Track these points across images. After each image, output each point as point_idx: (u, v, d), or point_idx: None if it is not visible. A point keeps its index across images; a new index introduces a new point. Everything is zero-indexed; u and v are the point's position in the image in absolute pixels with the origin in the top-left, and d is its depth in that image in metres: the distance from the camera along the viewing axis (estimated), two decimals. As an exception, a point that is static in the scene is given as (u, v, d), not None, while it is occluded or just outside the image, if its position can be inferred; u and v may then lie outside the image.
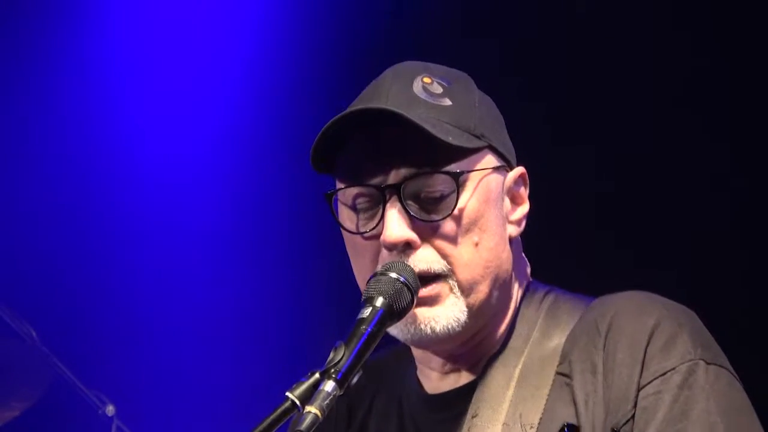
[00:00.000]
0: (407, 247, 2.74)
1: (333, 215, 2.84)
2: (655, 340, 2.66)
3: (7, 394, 5.37)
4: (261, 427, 2.46)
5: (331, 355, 2.52)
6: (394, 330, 2.76)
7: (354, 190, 2.79)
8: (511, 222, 2.85)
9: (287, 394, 2.47)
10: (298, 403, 2.46)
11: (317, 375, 2.49)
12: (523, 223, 2.88)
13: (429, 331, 2.74)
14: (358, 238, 2.79)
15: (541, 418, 2.71)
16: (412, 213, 2.74)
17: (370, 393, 3.01)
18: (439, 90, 2.81)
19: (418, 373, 2.93)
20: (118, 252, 6.01)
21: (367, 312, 2.61)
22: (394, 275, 2.66)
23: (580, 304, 2.85)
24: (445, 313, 2.75)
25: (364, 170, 2.77)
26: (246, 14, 6.03)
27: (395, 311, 2.64)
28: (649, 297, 2.78)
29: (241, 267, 6.00)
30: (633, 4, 5.02)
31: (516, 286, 2.89)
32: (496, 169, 2.82)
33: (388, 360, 3.03)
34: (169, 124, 6.08)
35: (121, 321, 5.96)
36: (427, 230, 2.75)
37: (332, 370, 2.49)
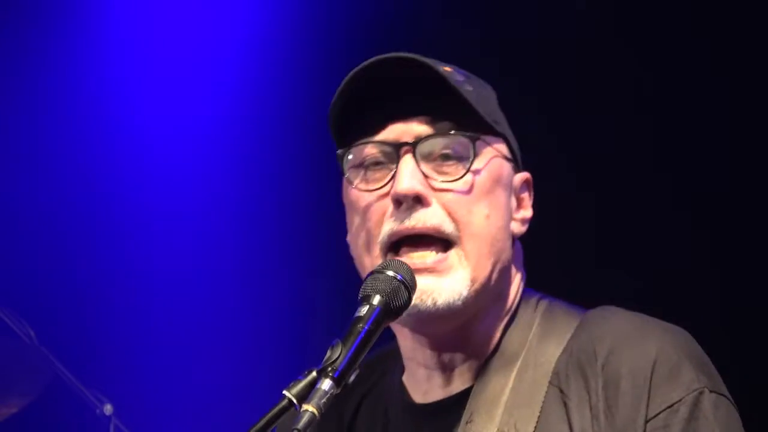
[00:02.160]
0: (417, 202, 2.73)
1: (342, 173, 2.83)
2: (658, 368, 2.66)
3: (6, 392, 5.37)
4: (258, 426, 2.45)
5: (328, 353, 2.51)
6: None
7: (368, 148, 2.79)
8: (514, 219, 2.86)
9: (284, 392, 2.47)
10: (295, 401, 2.46)
11: (314, 373, 2.49)
12: (525, 227, 2.88)
13: (430, 303, 2.72)
14: (367, 195, 2.78)
15: (535, 428, 2.70)
16: (425, 171, 2.74)
17: (359, 395, 2.99)
18: (460, 78, 2.82)
19: (404, 379, 2.91)
20: (117, 251, 6.01)
21: (364, 310, 2.60)
22: (391, 273, 2.65)
23: (575, 314, 2.84)
24: (449, 285, 2.73)
25: (380, 128, 2.78)
26: (247, 14, 6.03)
27: (392, 309, 2.63)
28: (645, 321, 2.77)
29: (240, 266, 6.00)
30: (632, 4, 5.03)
31: (514, 286, 2.88)
32: (507, 159, 2.85)
33: (375, 362, 3.01)
34: (169, 124, 6.08)
35: (120, 320, 5.96)
36: (440, 191, 2.75)
37: (329, 369, 2.48)
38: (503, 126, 2.86)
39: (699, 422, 2.63)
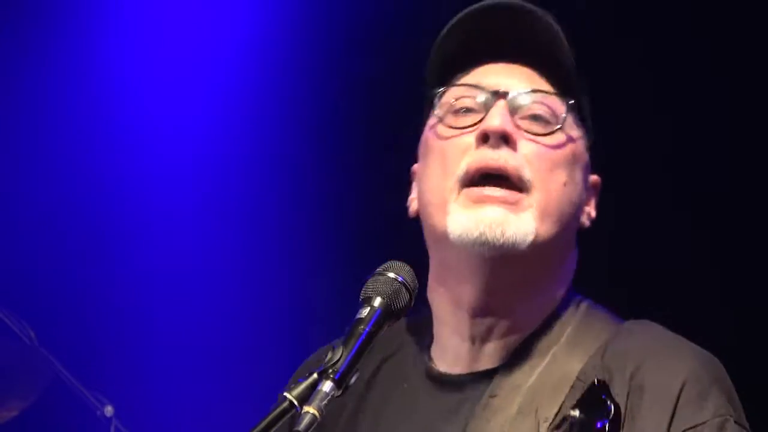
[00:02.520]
0: (504, 142, 2.72)
1: (426, 114, 2.82)
2: (688, 388, 2.64)
3: (6, 394, 5.37)
4: (259, 428, 2.45)
5: (329, 355, 2.51)
6: (457, 225, 2.70)
7: (464, 90, 2.79)
8: (584, 211, 2.86)
9: (285, 394, 2.46)
10: (296, 403, 2.45)
11: (315, 375, 2.48)
12: (589, 223, 2.87)
13: (499, 233, 2.69)
14: (450, 132, 2.77)
15: (555, 414, 2.68)
16: (516, 121, 2.74)
17: (379, 357, 2.96)
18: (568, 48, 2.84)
19: (432, 348, 2.89)
20: (118, 252, 6.01)
21: (365, 312, 2.59)
22: (392, 275, 2.64)
23: (612, 322, 2.82)
24: (518, 221, 2.71)
25: (480, 74, 2.78)
26: (247, 14, 6.04)
27: (393, 311, 2.61)
28: (680, 341, 2.75)
29: (241, 267, 6.00)
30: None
31: (565, 278, 2.86)
32: (588, 150, 2.86)
33: (403, 329, 2.98)
34: (170, 124, 6.08)
35: (121, 321, 5.96)
36: (527, 140, 2.74)
37: (330, 371, 2.47)
38: (588, 122, 2.87)
39: None
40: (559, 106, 2.79)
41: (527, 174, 2.72)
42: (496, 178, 2.73)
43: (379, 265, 2.69)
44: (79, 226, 5.98)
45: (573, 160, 2.79)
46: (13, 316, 5.40)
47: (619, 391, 2.65)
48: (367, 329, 2.56)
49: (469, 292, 2.79)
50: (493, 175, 2.73)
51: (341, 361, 2.50)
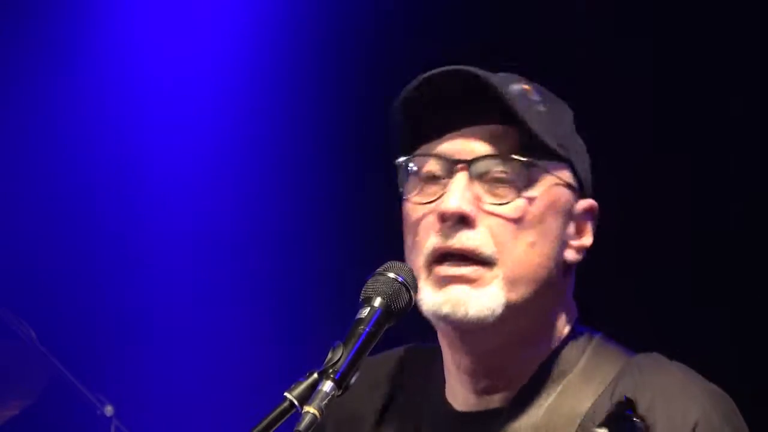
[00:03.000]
0: (462, 222, 2.72)
1: (399, 183, 2.83)
2: (699, 430, 2.64)
3: (6, 394, 5.36)
4: (259, 428, 2.46)
5: (330, 355, 2.52)
6: (426, 305, 2.73)
7: (424, 160, 2.78)
8: (570, 246, 2.82)
9: (285, 394, 2.47)
10: (296, 403, 2.46)
11: (315, 375, 2.49)
12: (582, 255, 2.84)
13: (462, 312, 2.71)
14: (417, 208, 2.78)
15: None
16: (476, 191, 2.74)
17: (394, 384, 2.96)
18: (537, 98, 2.81)
19: (446, 389, 2.89)
20: (118, 252, 6.01)
21: (365, 312, 2.60)
22: (392, 275, 2.66)
23: (622, 356, 2.81)
24: (481, 297, 2.71)
25: (438, 141, 2.78)
26: (250, 15, 6.03)
27: (393, 311, 2.63)
28: (691, 378, 2.75)
29: (241, 267, 6.00)
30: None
31: (562, 316, 2.84)
32: (570, 186, 2.82)
33: (417, 358, 2.99)
34: (170, 124, 6.07)
35: (120, 321, 5.96)
36: (487, 213, 2.74)
37: (330, 370, 2.49)
38: (571, 150, 2.83)
39: None
40: (520, 168, 2.75)
41: (487, 250, 2.72)
42: (458, 257, 2.73)
43: (380, 265, 2.71)
44: (80, 226, 5.98)
45: (542, 213, 2.76)
46: (13, 316, 5.39)
47: None
48: (367, 329, 2.57)
49: (461, 356, 2.81)
50: (455, 254, 2.74)
51: (341, 360, 2.51)
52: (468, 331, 2.74)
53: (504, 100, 2.70)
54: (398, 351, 3.02)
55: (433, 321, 2.77)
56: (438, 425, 2.87)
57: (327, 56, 5.76)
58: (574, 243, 2.82)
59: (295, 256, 5.91)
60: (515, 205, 2.74)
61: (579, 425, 2.69)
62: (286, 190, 5.90)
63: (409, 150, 2.83)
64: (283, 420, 2.46)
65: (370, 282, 2.66)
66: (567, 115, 2.88)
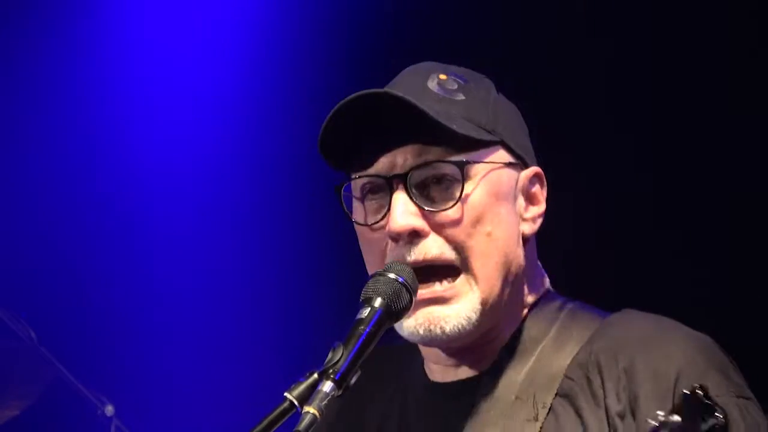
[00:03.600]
0: (415, 236, 2.74)
1: (342, 208, 2.86)
2: (684, 377, 2.65)
3: (6, 394, 5.36)
4: (260, 428, 2.47)
5: (330, 355, 2.53)
6: (404, 331, 2.77)
7: (362, 181, 2.81)
8: (525, 220, 2.85)
9: (286, 394, 2.48)
10: (296, 403, 2.47)
11: (315, 375, 2.50)
12: (539, 222, 2.88)
13: (439, 332, 2.75)
14: (367, 230, 2.80)
15: (552, 404, 2.73)
16: (418, 202, 2.75)
17: (382, 377, 3.01)
18: (454, 86, 2.83)
19: (424, 365, 2.94)
20: (119, 252, 6.01)
21: (365, 312, 2.61)
22: (392, 276, 2.67)
23: (597, 317, 2.84)
24: (457, 312, 2.75)
25: (371, 160, 2.79)
26: (250, 15, 6.04)
27: (393, 312, 2.65)
28: (668, 325, 2.77)
29: (241, 267, 6.00)
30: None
31: (528, 288, 2.88)
32: (508, 164, 2.83)
33: (402, 350, 3.01)
34: (170, 124, 6.07)
35: (121, 321, 5.96)
36: (436, 220, 2.76)
37: (330, 371, 2.50)
38: (500, 127, 2.84)
39: (731, 429, 2.63)
40: (453, 168, 2.77)
41: (449, 255, 2.75)
42: (425, 270, 2.75)
43: (379, 265, 2.73)
44: (80, 227, 5.98)
45: (489, 202, 2.78)
46: (13, 316, 5.39)
47: (613, 385, 2.67)
48: (367, 329, 2.59)
49: (437, 350, 2.86)
50: (420, 266, 2.75)
51: (341, 361, 2.52)
52: (445, 343, 2.79)
53: (417, 111, 2.71)
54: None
55: (410, 340, 2.80)
56: (419, 397, 2.91)
57: (327, 56, 5.76)
58: (528, 215, 2.86)
59: (295, 256, 5.91)
60: (459, 206, 2.76)
61: (563, 378, 2.73)
62: (286, 190, 5.90)
63: (343, 170, 2.85)
64: (283, 420, 2.47)
65: (370, 282, 2.67)
66: (486, 91, 2.88)
